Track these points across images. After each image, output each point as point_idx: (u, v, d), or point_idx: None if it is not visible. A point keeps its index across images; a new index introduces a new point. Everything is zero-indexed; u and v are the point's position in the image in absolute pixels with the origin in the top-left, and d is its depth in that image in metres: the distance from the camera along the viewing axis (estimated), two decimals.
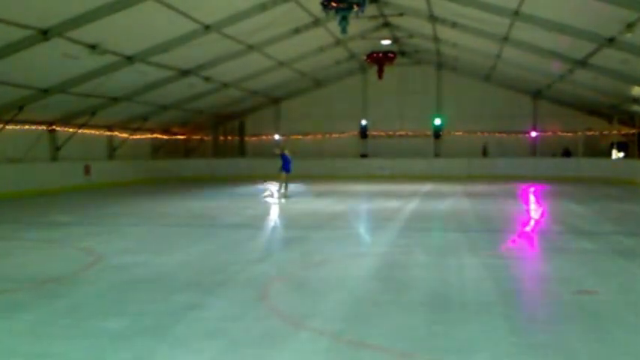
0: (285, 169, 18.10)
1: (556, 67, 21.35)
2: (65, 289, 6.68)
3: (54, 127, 21.87)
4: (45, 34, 13.77)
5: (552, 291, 6.71)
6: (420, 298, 6.20)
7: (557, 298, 6.34)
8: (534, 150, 29.73)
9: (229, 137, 33.19)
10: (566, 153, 28.75)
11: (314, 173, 28.52)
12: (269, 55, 22.34)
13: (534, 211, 15.10)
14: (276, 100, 31.86)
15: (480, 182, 24.69)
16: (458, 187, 22.14)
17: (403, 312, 5.73)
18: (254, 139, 32.62)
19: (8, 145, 19.46)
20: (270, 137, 32.22)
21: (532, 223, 12.84)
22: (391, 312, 5.73)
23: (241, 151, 32.65)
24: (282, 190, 18.20)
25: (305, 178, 27.26)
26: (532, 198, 18.88)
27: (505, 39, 19.42)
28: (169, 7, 14.66)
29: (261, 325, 5.27)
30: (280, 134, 32.03)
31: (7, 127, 19.04)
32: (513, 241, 10.26)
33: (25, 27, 13.35)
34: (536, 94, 29.07)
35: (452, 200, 17.46)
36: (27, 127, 20.60)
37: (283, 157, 18.20)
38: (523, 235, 11.07)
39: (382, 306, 5.95)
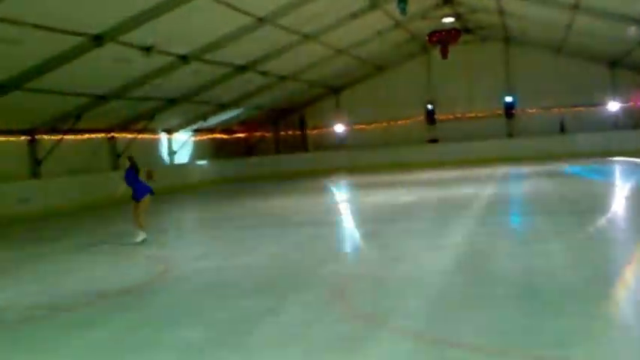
0: (134, 197, 10.55)
1: (632, 32, 19.67)
2: (137, 300, 6.57)
3: (113, 134, 21.34)
4: (98, 40, 13.66)
5: None
6: (508, 290, 5.84)
7: None
8: (617, 123, 27.76)
9: (290, 132, 33.05)
10: None
11: (381, 163, 27.88)
12: (326, 44, 21.85)
13: (622, 189, 13.96)
14: (336, 90, 31.39)
15: (560, 161, 23.27)
16: (536, 168, 20.95)
17: (490, 306, 5.38)
18: (315, 132, 32.30)
19: (68, 156, 19.01)
20: (331, 129, 31.77)
21: (621, 202, 11.82)
22: (477, 306, 5.40)
23: (303, 145, 32.43)
24: (137, 234, 10.38)
25: (372, 168, 26.78)
26: (618, 175, 17.54)
27: (576, 7, 18.08)
28: (220, 1, 14.46)
29: (340, 327, 5.03)
30: (343, 124, 31.46)
31: (66, 137, 18.39)
32: (603, 223, 9.53)
33: (78, 34, 13.25)
34: (614, 63, 27.10)
35: (531, 182, 16.49)
36: (86, 136, 19.81)
37: (127, 174, 10.59)
38: (613, 216, 10.25)
39: (467, 300, 5.64)
